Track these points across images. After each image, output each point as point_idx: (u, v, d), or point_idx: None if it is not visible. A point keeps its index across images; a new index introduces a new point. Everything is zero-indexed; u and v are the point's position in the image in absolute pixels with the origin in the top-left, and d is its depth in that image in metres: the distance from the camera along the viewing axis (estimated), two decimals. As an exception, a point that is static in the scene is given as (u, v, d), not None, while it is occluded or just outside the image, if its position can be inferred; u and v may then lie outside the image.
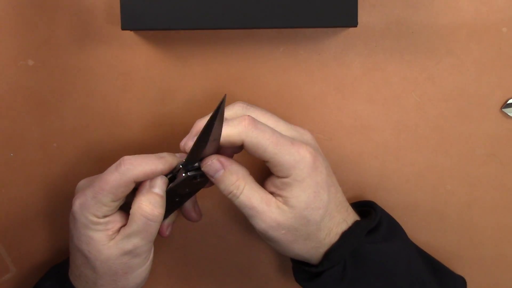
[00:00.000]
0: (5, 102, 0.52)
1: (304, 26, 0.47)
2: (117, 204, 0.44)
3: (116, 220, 0.44)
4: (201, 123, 0.44)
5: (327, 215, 0.44)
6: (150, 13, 0.46)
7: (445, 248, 0.50)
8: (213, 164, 0.43)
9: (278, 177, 0.43)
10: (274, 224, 0.43)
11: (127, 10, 0.46)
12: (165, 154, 0.44)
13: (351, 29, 0.51)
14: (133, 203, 0.44)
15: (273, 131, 0.42)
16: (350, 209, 0.47)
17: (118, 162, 0.43)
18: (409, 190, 0.53)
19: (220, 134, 0.41)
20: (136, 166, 0.42)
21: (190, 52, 0.52)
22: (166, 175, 0.44)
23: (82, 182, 0.46)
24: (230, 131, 0.41)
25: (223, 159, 0.43)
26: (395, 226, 0.49)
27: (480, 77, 0.52)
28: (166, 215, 0.45)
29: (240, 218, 0.54)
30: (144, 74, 0.52)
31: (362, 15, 0.51)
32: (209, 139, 0.41)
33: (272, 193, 0.44)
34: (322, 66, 0.52)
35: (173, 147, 0.51)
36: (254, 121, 0.42)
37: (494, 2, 0.51)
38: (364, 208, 0.49)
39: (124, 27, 0.46)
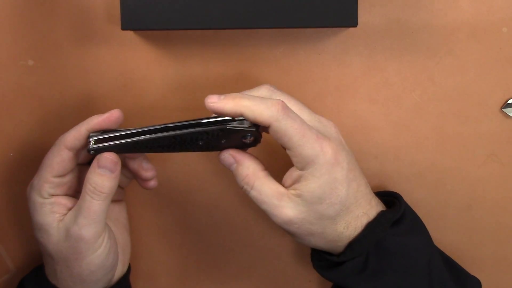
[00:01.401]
0: (5, 102, 0.52)
1: (304, 26, 0.47)
2: (60, 181, 0.44)
3: (62, 202, 0.44)
4: (242, 103, 0.42)
5: (343, 210, 0.43)
6: (150, 13, 0.46)
7: (445, 248, 0.50)
8: (226, 158, 0.44)
9: (297, 169, 0.43)
10: (286, 219, 0.43)
11: (127, 10, 0.46)
12: (91, 116, 0.44)
13: (351, 29, 0.51)
14: (84, 180, 0.44)
15: (302, 121, 0.42)
16: (375, 201, 0.46)
17: None
18: (409, 190, 0.53)
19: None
20: (65, 134, 0.44)
21: (190, 52, 0.52)
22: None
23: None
24: (262, 111, 0.41)
25: (236, 153, 0.44)
26: (418, 220, 0.48)
27: (480, 77, 0.52)
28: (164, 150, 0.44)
29: (240, 218, 0.54)
30: (144, 74, 0.52)
31: (362, 15, 0.51)
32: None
33: (289, 186, 0.44)
34: (322, 66, 0.52)
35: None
36: (286, 108, 0.42)
37: (494, 2, 0.51)
38: (388, 198, 0.49)
39: (124, 27, 0.46)
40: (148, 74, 0.52)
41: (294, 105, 0.44)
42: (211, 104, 0.42)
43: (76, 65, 0.51)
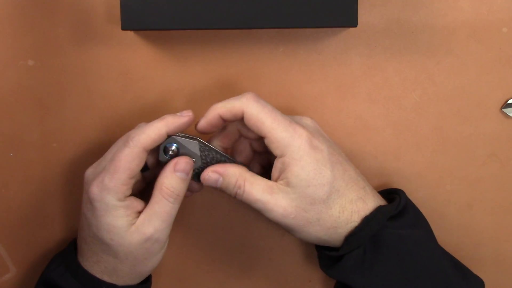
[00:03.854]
0: (5, 102, 0.52)
1: (304, 26, 0.47)
2: (134, 181, 0.45)
3: (134, 204, 0.45)
4: (217, 107, 0.45)
5: (334, 192, 0.44)
6: (150, 13, 0.46)
7: (445, 248, 0.50)
8: (210, 177, 0.45)
9: (277, 156, 0.44)
10: (281, 210, 0.44)
11: (127, 10, 0.46)
12: (165, 116, 0.45)
13: (351, 29, 0.51)
14: (156, 184, 0.45)
15: (273, 108, 0.44)
16: (370, 189, 0.46)
17: (123, 138, 0.45)
18: (409, 190, 0.53)
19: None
20: (141, 135, 0.43)
21: (190, 52, 0.52)
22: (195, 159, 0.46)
23: (89, 171, 0.46)
24: (234, 104, 0.44)
25: (217, 167, 0.45)
26: (421, 217, 0.48)
27: (480, 77, 0.52)
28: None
29: (240, 218, 0.54)
30: (144, 74, 0.52)
31: (362, 15, 0.51)
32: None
33: (277, 178, 0.45)
34: (322, 66, 0.52)
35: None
36: (256, 97, 0.44)
37: (494, 2, 0.51)
38: (392, 195, 0.49)
39: (124, 27, 0.46)
40: (148, 74, 0.52)
41: (268, 106, 0.45)
42: (200, 124, 0.46)
43: (76, 65, 0.51)
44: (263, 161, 0.50)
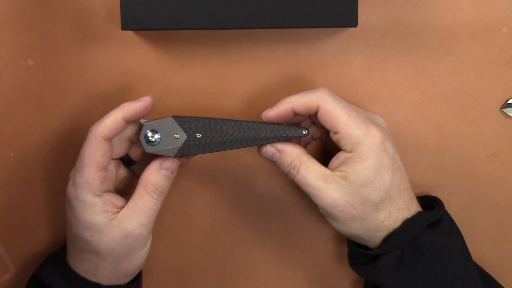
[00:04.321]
0: (5, 102, 0.52)
1: (304, 26, 0.47)
2: (105, 175, 0.44)
3: (113, 200, 0.45)
4: (290, 101, 0.45)
5: (387, 198, 0.44)
6: (150, 13, 0.46)
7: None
8: (267, 150, 0.46)
9: (344, 151, 0.44)
10: (330, 200, 0.44)
11: (127, 10, 0.46)
12: (122, 104, 0.45)
13: (351, 29, 0.51)
14: (140, 179, 0.45)
15: (348, 104, 0.44)
16: (415, 199, 0.47)
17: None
18: (409, 190, 0.53)
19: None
20: (98, 125, 0.44)
21: (190, 52, 0.52)
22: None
23: (71, 173, 0.47)
24: (308, 98, 0.44)
25: (277, 144, 0.46)
26: (454, 226, 0.49)
27: (480, 77, 0.52)
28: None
29: (240, 218, 0.54)
30: (144, 74, 0.52)
31: (362, 15, 0.51)
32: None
33: (335, 168, 0.45)
34: (322, 66, 0.52)
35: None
36: (330, 90, 0.44)
37: (494, 2, 0.51)
38: (428, 203, 0.49)
39: (124, 27, 0.46)
40: (148, 74, 0.52)
41: (343, 101, 0.45)
42: (268, 114, 0.45)
43: (76, 65, 0.51)
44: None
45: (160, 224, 0.54)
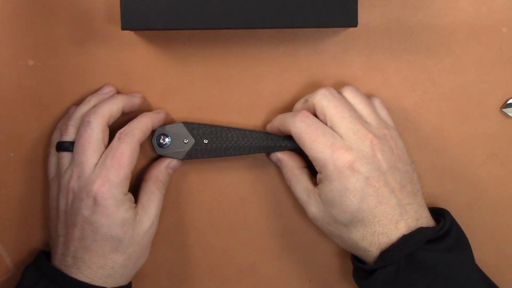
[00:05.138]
0: (5, 102, 0.52)
1: (304, 26, 0.47)
2: None
3: (131, 196, 0.48)
4: (275, 120, 0.50)
5: (356, 221, 0.45)
6: (150, 13, 0.46)
7: (445, 248, 0.50)
8: (272, 157, 0.52)
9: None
10: (311, 214, 0.48)
11: (127, 10, 0.46)
12: (145, 113, 0.50)
13: (351, 29, 0.51)
14: (149, 177, 0.50)
15: (319, 128, 0.46)
16: (404, 224, 0.44)
17: (117, 136, 0.47)
18: (409, 190, 0.53)
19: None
20: (134, 130, 0.47)
21: (190, 52, 0.52)
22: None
23: (73, 183, 0.46)
24: (287, 121, 0.48)
25: (279, 153, 0.51)
26: (462, 239, 0.47)
27: (480, 77, 0.52)
28: None
29: (240, 218, 0.54)
30: (144, 74, 0.52)
31: (362, 15, 0.51)
32: None
33: (316, 184, 0.47)
34: (322, 66, 0.52)
35: (173, 147, 0.51)
36: (306, 116, 0.47)
37: (494, 2, 0.51)
38: (436, 216, 0.48)
39: (124, 27, 0.46)
40: (148, 74, 0.52)
41: (340, 112, 0.46)
42: (267, 127, 0.51)
43: (76, 65, 0.51)
44: None
45: (160, 224, 0.54)
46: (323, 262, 0.55)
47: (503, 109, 0.52)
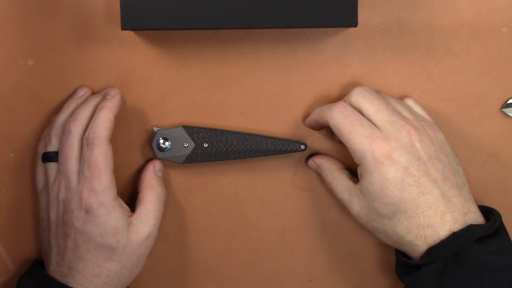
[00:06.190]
0: (5, 102, 0.52)
1: (304, 26, 0.47)
2: None
3: (122, 203, 0.47)
4: (314, 113, 0.50)
5: (400, 213, 0.44)
6: (150, 13, 0.46)
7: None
8: (311, 164, 0.52)
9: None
10: (355, 213, 0.47)
11: (127, 10, 0.46)
12: (101, 104, 0.48)
13: (351, 29, 0.51)
14: (144, 184, 0.49)
15: (357, 119, 0.46)
16: (451, 217, 0.43)
17: (85, 143, 0.46)
18: (409, 190, 0.53)
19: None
20: (99, 129, 0.46)
21: (190, 52, 0.52)
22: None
23: (61, 194, 0.46)
24: (324, 112, 0.47)
25: (317, 159, 0.52)
26: (510, 243, 0.46)
27: (480, 77, 0.52)
28: None
29: (240, 218, 0.54)
30: (144, 74, 0.52)
31: (362, 15, 0.51)
32: None
33: (357, 181, 0.47)
34: (322, 66, 0.52)
35: (173, 147, 0.51)
36: (344, 107, 0.46)
37: (494, 2, 0.51)
38: (485, 214, 0.46)
39: (124, 27, 0.46)
40: (148, 74, 0.52)
41: (376, 105, 0.46)
42: (305, 121, 0.51)
43: (76, 65, 0.51)
44: None
45: (160, 224, 0.54)
46: (323, 262, 0.55)
47: (503, 109, 0.52)
